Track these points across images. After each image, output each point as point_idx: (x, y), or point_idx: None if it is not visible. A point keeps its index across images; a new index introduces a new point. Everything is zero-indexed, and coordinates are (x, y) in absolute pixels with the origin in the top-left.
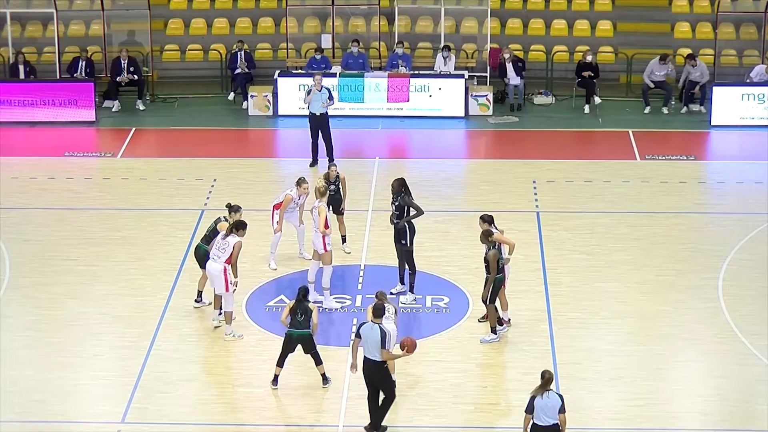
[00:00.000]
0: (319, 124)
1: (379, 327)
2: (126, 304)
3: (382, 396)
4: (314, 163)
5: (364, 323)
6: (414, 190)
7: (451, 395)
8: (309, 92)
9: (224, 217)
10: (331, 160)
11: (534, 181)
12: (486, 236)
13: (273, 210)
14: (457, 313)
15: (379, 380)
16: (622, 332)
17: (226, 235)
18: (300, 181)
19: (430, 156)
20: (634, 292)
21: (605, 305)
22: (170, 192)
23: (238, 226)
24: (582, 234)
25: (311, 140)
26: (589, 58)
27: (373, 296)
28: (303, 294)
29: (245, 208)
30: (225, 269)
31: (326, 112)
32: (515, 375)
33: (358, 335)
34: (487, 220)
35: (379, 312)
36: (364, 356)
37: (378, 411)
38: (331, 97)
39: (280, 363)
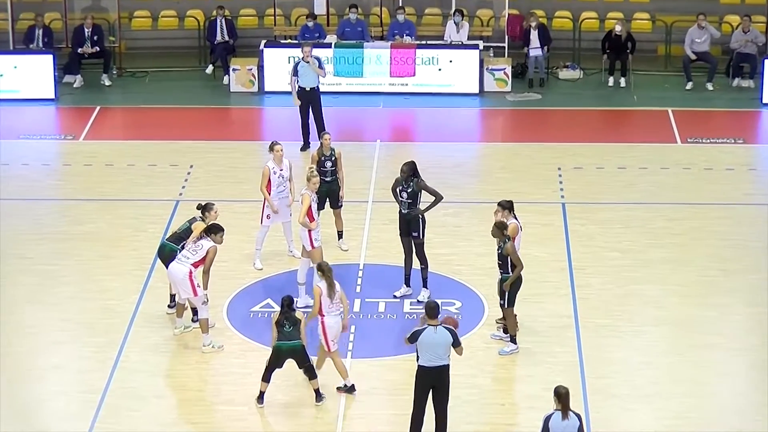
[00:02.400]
0: (311, 100)
1: (444, 328)
2: (89, 309)
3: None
4: (306, 146)
5: (420, 330)
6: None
7: (464, 414)
8: (296, 67)
9: (200, 217)
10: (321, 129)
11: (559, 168)
12: (500, 228)
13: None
14: (470, 319)
15: (445, 385)
16: (659, 341)
17: (200, 238)
18: (272, 146)
19: (439, 139)
20: (673, 295)
21: (640, 310)
22: (140, 180)
23: (214, 230)
24: (614, 228)
25: (301, 120)
26: (618, 28)
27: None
28: (288, 303)
29: (226, 199)
30: (191, 273)
31: (317, 87)
32: (536, 391)
33: (411, 341)
34: (506, 206)
35: (433, 312)
36: (424, 366)
37: (440, 421)
38: (321, 66)
39: (266, 378)
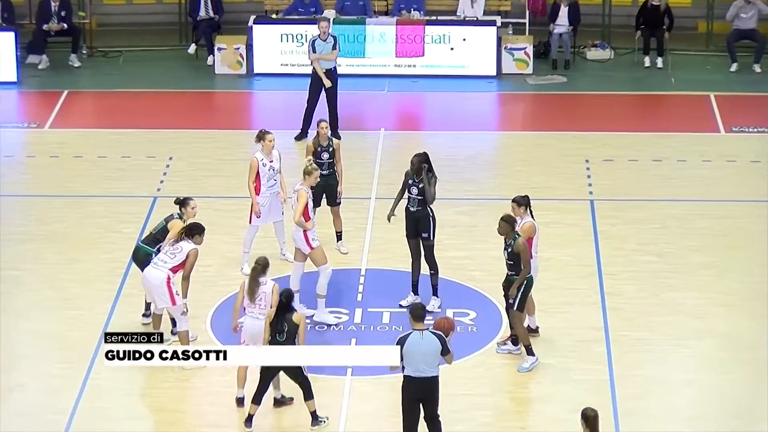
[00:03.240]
0: (324, 84)
1: (431, 333)
2: (55, 320)
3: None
4: (303, 135)
5: (406, 335)
6: None
7: None
8: (313, 45)
9: (178, 214)
10: (334, 129)
11: (587, 160)
12: (508, 222)
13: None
14: (486, 332)
15: (434, 398)
16: (701, 357)
17: (178, 239)
18: (261, 135)
19: (452, 127)
20: (716, 304)
21: (679, 322)
22: (113, 173)
23: (194, 231)
24: (649, 229)
25: (307, 106)
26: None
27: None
28: (286, 298)
29: (211, 194)
30: (168, 279)
31: (334, 69)
32: (561, 413)
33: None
34: (522, 202)
35: (419, 314)
36: (410, 376)
37: None
38: (337, 46)
39: (257, 399)
